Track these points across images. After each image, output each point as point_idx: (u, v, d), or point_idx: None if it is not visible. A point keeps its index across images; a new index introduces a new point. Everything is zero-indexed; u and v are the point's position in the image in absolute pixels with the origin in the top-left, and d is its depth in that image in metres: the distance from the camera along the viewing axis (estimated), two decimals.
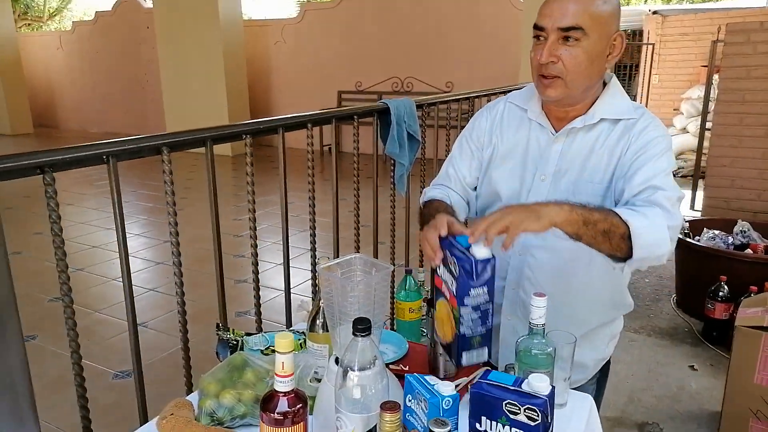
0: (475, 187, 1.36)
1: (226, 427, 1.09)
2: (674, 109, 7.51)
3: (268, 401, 0.89)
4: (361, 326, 0.87)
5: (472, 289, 0.96)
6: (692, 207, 5.37)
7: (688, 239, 3.26)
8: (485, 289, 0.97)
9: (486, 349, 1.02)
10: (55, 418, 2.28)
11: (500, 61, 7.45)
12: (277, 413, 0.87)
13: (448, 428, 0.73)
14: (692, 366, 2.78)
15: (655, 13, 7.91)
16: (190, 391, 1.44)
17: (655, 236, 1.03)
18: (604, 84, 1.25)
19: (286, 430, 0.88)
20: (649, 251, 1.03)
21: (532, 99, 1.27)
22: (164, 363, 2.64)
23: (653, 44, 6.45)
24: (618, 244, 1.02)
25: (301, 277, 3.07)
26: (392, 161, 2.25)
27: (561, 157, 1.23)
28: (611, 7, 1.13)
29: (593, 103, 1.21)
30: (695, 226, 3.45)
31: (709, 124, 4.76)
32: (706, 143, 4.80)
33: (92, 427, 1.30)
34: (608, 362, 1.46)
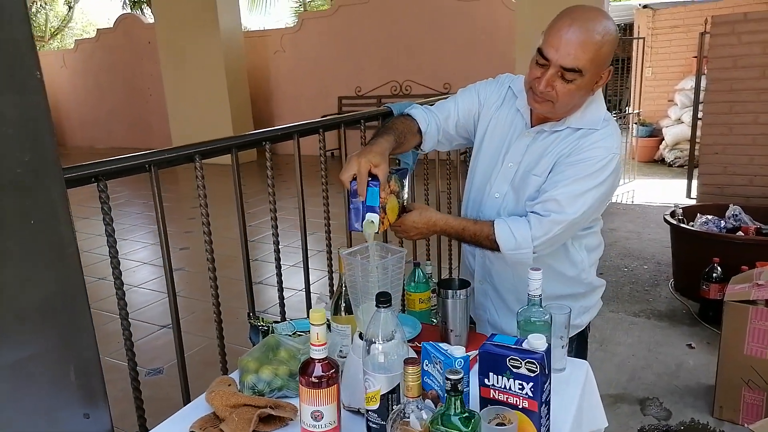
0: (456, 123, 1.55)
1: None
2: (669, 101, 7.65)
3: (305, 367, 1.04)
4: (383, 298, 1.03)
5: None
6: (688, 195, 5.51)
7: (682, 224, 3.40)
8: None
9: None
10: None
11: (495, 61, 7.61)
12: (314, 377, 1.03)
13: (461, 375, 0.87)
14: (690, 344, 2.92)
15: (645, 7, 8.05)
16: (225, 373, 1.59)
17: (514, 242, 1.33)
18: None
19: (322, 391, 1.03)
20: (508, 251, 1.34)
21: (524, 92, 1.39)
22: (190, 360, 2.78)
23: (643, 38, 6.59)
24: (484, 244, 1.37)
25: (314, 276, 3.22)
26: (397, 161, 2.41)
27: (526, 151, 1.43)
28: (611, 47, 1.25)
29: (570, 113, 1.36)
30: (689, 212, 3.59)
31: (701, 114, 4.90)
32: (699, 132, 4.94)
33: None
34: (585, 334, 1.63)
